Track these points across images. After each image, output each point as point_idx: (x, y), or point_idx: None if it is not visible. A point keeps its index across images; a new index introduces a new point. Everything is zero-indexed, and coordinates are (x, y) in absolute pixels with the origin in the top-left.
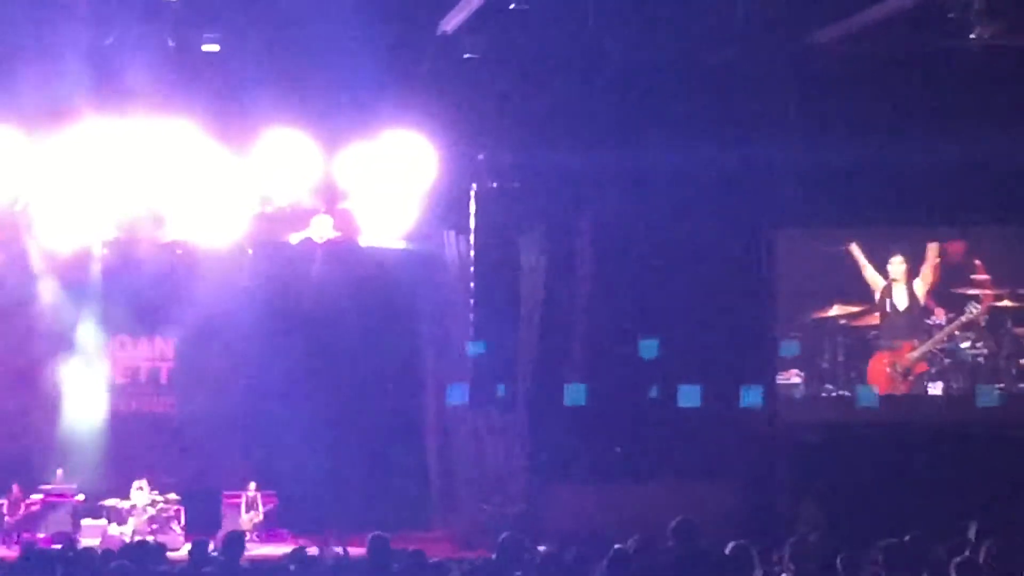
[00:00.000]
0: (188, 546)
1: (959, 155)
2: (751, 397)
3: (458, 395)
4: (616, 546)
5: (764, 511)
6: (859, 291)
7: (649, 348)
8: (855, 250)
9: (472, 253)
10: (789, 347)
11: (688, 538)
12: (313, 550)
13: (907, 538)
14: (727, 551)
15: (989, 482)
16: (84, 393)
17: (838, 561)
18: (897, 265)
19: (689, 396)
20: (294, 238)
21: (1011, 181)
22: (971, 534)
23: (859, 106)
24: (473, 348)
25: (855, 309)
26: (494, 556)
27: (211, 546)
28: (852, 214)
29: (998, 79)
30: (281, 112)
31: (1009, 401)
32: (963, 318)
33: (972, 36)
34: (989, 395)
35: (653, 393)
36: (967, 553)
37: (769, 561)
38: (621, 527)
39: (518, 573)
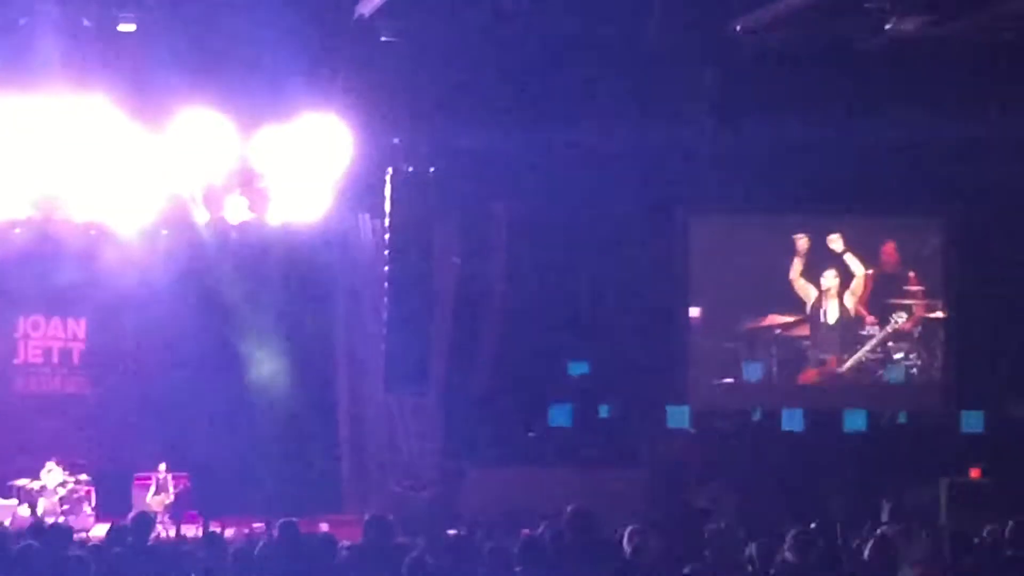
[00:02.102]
0: (99, 527)
1: (874, 142)
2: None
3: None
4: (526, 531)
5: (674, 499)
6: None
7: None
8: (797, 258)
9: (387, 237)
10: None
11: (584, 527)
12: (227, 533)
13: (814, 524)
14: (626, 539)
15: (899, 467)
16: None
17: (751, 548)
18: (830, 279)
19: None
20: (208, 219)
21: (926, 169)
22: (884, 515)
23: (776, 91)
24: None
25: (788, 319)
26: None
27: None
28: (767, 199)
29: (915, 67)
30: (197, 92)
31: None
32: (889, 328)
33: (887, 27)
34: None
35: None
36: (879, 532)
37: (681, 549)
38: (532, 511)
39: (428, 558)
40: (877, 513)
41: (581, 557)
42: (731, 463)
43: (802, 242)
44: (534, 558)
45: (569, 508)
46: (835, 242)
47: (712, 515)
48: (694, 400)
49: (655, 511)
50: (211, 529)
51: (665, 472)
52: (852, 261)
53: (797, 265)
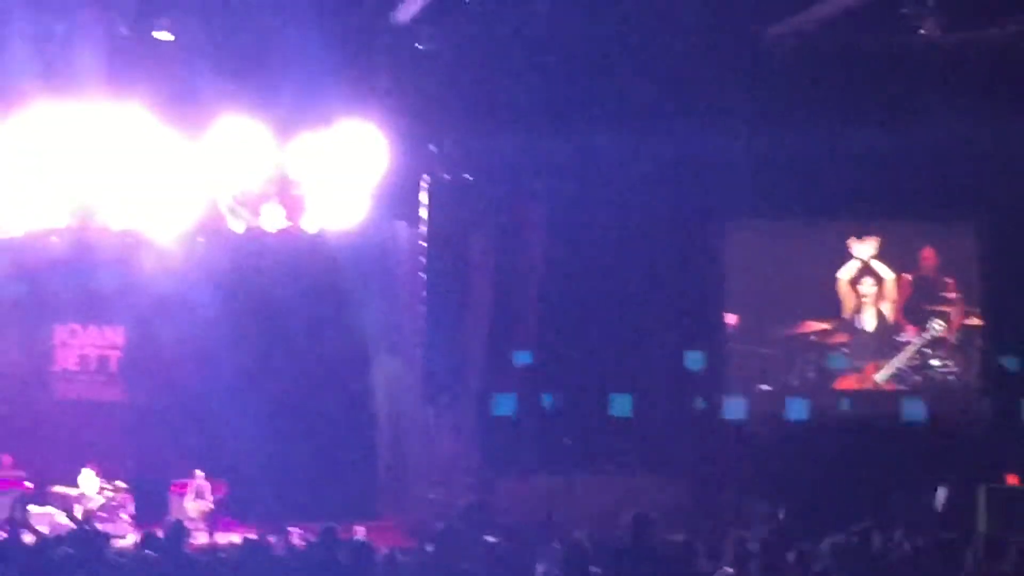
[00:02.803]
0: (136, 534)
1: (912, 147)
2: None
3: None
4: (573, 536)
5: (713, 506)
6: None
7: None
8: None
9: (423, 244)
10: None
11: (644, 531)
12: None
13: (856, 530)
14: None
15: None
16: (32, 380)
17: (789, 556)
18: (868, 285)
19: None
20: (245, 227)
21: (962, 175)
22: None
23: (813, 98)
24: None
25: (825, 326)
26: (431, 548)
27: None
28: (805, 207)
29: (950, 73)
30: (233, 100)
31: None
32: (926, 335)
33: (922, 31)
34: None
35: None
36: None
37: (718, 556)
38: (568, 519)
39: (465, 564)
40: (915, 519)
41: (637, 563)
42: (769, 469)
43: (859, 248)
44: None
45: (632, 513)
46: (868, 248)
47: (753, 521)
48: (730, 407)
49: (696, 518)
50: (249, 536)
51: (705, 480)
52: (881, 267)
53: (849, 269)
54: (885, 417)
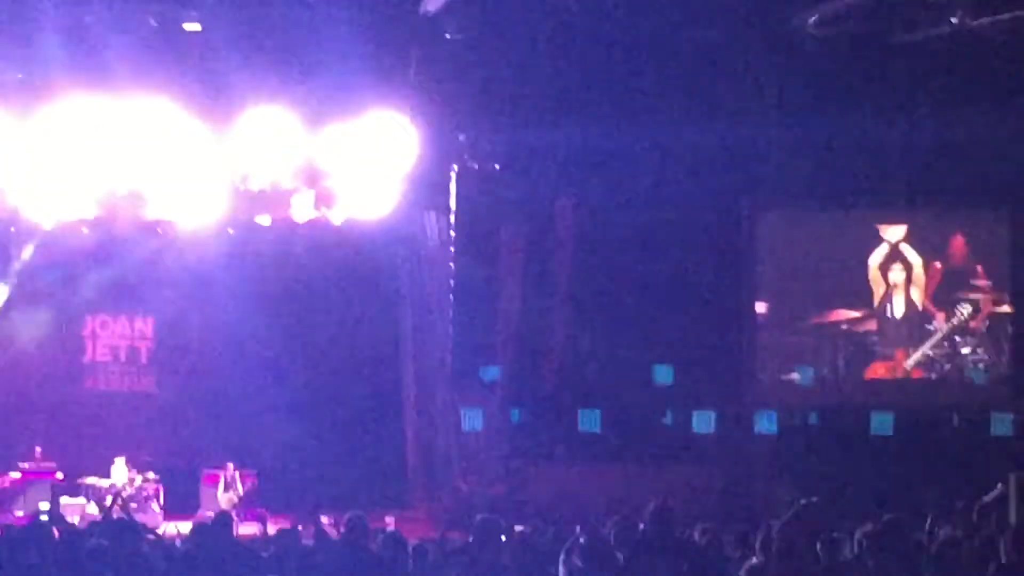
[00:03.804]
0: (167, 524)
1: (941, 135)
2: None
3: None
4: (588, 530)
5: (742, 495)
6: (857, 293)
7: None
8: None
9: (452, 234)
10: None
11: (664, 522)
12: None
13: (886, 520)
14: (697, 536)
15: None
16: (64, 371)
17: (818, 545)
18: (897, 272)
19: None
20: (274, 217)
21: (993, 163)
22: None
23: (842, 86)
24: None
25: (855, 314)
26: (470, 538)
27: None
28: (835, 194)
29: (980, 62)
30: (262, 91)
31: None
32: (954, 320)
33: (953, 21)
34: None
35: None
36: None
37: (746, 545)
38: (600, 508)
39: (495, 555)
40: (945, 512)
41: (659, 552)
42: (800, 461)
43: (887, 233)
44: (598, 555)
45: (652, 504)
46: (897, 235)
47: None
48: (759, 396)
49: (724, 509)
50: (282, 526)
51: (734, 470)
52: (910, 253)
53: (878, 256)
54: (913, 408)
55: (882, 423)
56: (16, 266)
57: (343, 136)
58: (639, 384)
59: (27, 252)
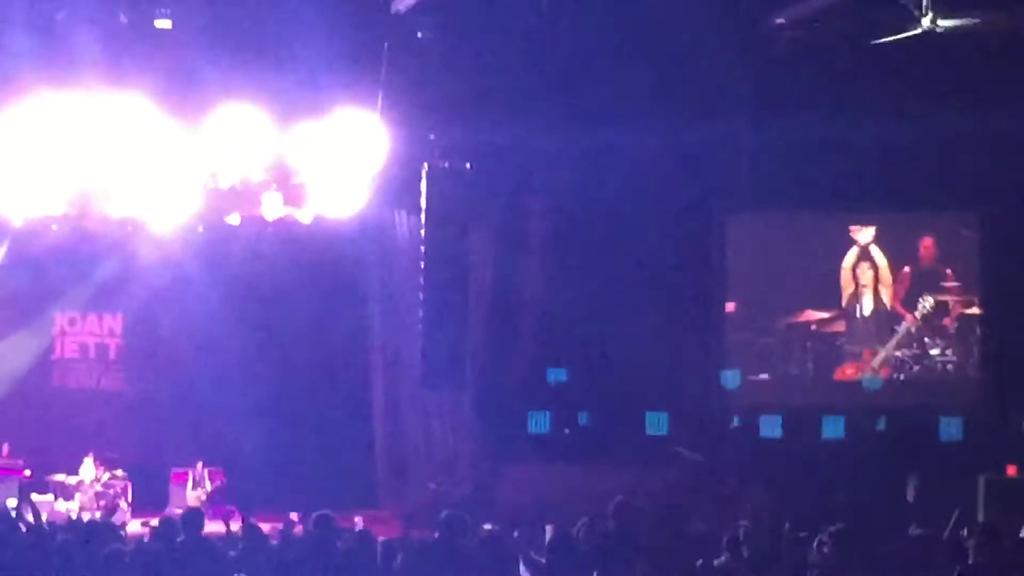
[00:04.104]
0: (135, 523)
1: (911, 137)
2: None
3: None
4: (551, 529)
5: (711, 494)
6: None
7: None
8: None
9: (423, 233)
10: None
11: (628, 519)
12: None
13: (855, 520)
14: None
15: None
16: (32, 368)
17: (783, 545)
18: (865, 271)
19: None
20: (244, 215)
21: (963, 165)
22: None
23: (811, 87)
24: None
25: (824, 315)
26: (436, 535)
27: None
28: (805, 196)
29: (950, 62)
30: (233, 88)
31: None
32: (916, 314)
33: (923, 22)
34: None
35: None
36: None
37: (715, 544)
38: (569, 507)
39: (463, 552)
40: (909, 512)
41: (624, 550)
42: (768, 461)
43: (859, 234)
44: (563, 553)
45: (615, 501)
46: (867, 234)
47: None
48: (733, 397)
49: (692, 507)
50: (248, 524)
51: (701, 471)
52: (877, 253)
53: (850, 256)
54: (880, 408)
55: (834, 426)
56: None
57: (313, 134)
58: (612, 387)
59: None
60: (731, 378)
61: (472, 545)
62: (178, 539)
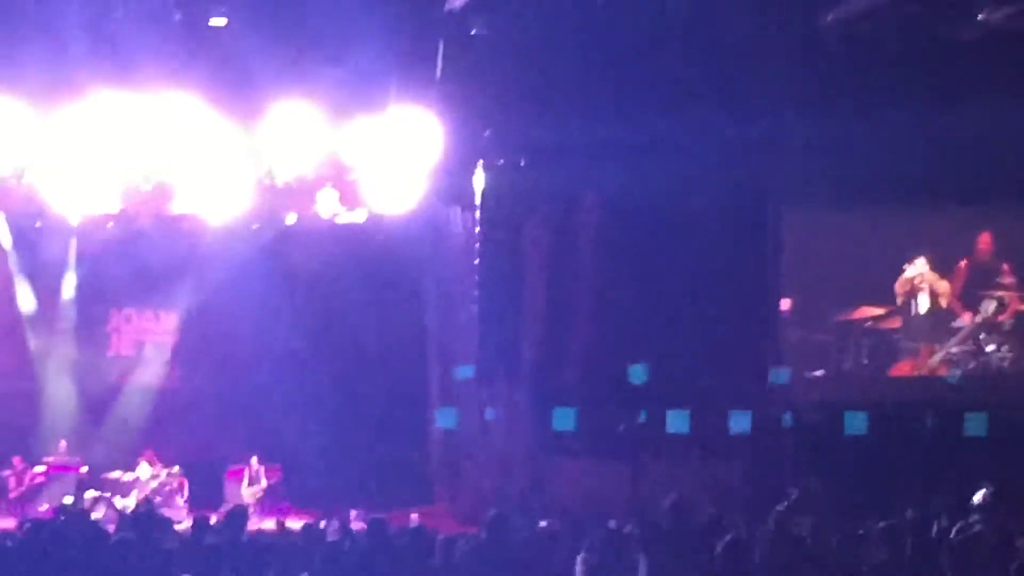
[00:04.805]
0: (191, 519)
1: (969, 134)
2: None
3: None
4: (605, 525)
5: (767, 490)
6: (880, 290)
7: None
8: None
9: (477, 229)
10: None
11: (684, 515)
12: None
13: (906, 515)
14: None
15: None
16: (88, 366)
17: (834, 540)
18: (920, 267)
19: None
20: (299, 212)
21: (1019, 158)
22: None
23: (869, 82)
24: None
25: (879, 312)
26: (483, 534)
27: (212, 520)
28: (860, 191)
29: (1008, 57)
30: (288, 86)
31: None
32: (978, 318)
33: (979, 17)
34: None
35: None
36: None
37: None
38: (624, 503)
39: (517, 549)
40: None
41: (678, 547)
42: (823, 456)
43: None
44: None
45: (670, 498)
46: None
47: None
48: (784, 392)
49: (748, 504)
50: (306, 521)
51: (758, 466)
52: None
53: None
54: (936, 404)
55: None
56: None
57: (368, 131)
58: (661, 380)
59: (54, 247)
60: (780, 375)
61: (526, 541)
62: (225, 536)
